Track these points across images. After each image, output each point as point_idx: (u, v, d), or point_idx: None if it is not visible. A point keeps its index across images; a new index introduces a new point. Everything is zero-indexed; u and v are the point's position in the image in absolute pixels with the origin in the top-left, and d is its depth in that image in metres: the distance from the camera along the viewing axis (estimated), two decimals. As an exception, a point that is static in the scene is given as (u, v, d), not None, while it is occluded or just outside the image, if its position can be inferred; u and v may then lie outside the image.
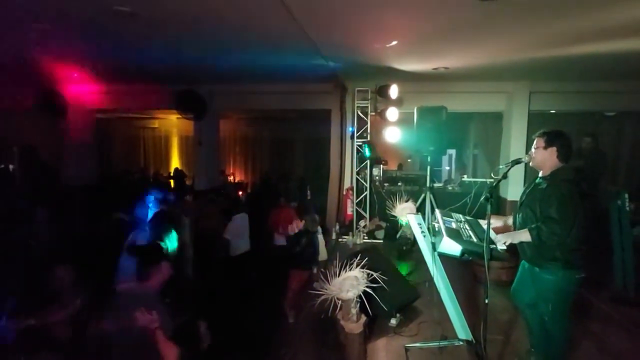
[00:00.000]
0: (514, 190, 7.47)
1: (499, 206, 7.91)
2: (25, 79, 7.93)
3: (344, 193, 8.35)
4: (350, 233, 8.02)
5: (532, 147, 3.17)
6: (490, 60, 6.04)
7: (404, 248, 6.83)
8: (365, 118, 8.10)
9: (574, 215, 2.92)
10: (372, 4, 3.73)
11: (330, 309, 3.47)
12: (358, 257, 3.74)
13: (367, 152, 7.99)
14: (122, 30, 4.71)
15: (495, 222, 3.33)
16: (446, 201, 6.26)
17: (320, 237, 5.94)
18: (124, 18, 4.18)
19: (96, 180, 10.02)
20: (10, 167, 11.15)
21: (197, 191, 9.67)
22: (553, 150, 3.05)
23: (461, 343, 3.51)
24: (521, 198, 3.31)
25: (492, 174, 3.63)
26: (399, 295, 4.37)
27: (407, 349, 3.65)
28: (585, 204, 3.10)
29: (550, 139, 3.06)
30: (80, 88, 9.10)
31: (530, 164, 3.21)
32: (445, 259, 3.24)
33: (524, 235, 3.02)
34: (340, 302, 3.52)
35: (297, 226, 4.83)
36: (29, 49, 5.63)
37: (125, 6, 3.93)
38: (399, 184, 8.92)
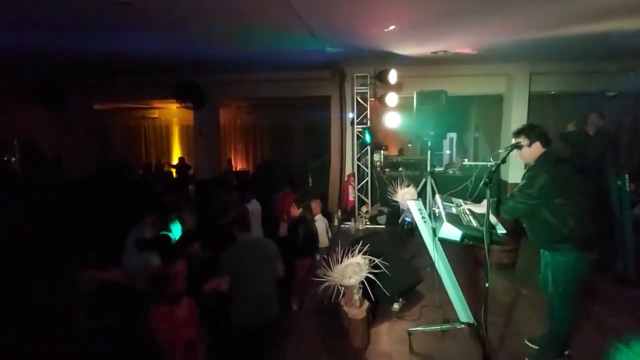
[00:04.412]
0: (514, 172, 7.47)
1: (500, 189, 7.91)
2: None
3: (345, 179, 8.37)
4: (352, 219, 8.05)
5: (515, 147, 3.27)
6: (490, 43, 5.98)
7: (405, 227, 6.82)
8: (364, 104, 8.05)
9: (538, 196, 3.04)
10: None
11: (333, 295, 3.53)
12: (360, 243, 3.79)
13: (367, 138, 7.98)
14: (120, 20, 4.67)
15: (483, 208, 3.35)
16: (447, 185, 6.22)
17: (324, 222, 5.92)
18: (121, 8, 4.15)
19: (95, 173, 10.02)
20: (13, 159, 11.23)
21: (199, 180, 9.73)
22: (537, 144, 3.21)
23: (463, 326, 3.55)
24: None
25: (491, 158, 3.63)
26: (401, 280, 4.40)
27: (409, 333, 3.70)
28: (584, 182, 3.23)
29: (530, 136, 3.22)
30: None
31: (520, 159, 3.33)
32: (446, 242, 3.26)
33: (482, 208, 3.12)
34: (343, 288, 3.57)
35: (294, 213, 4.85)
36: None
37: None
38: (400, 169, 8.93)
